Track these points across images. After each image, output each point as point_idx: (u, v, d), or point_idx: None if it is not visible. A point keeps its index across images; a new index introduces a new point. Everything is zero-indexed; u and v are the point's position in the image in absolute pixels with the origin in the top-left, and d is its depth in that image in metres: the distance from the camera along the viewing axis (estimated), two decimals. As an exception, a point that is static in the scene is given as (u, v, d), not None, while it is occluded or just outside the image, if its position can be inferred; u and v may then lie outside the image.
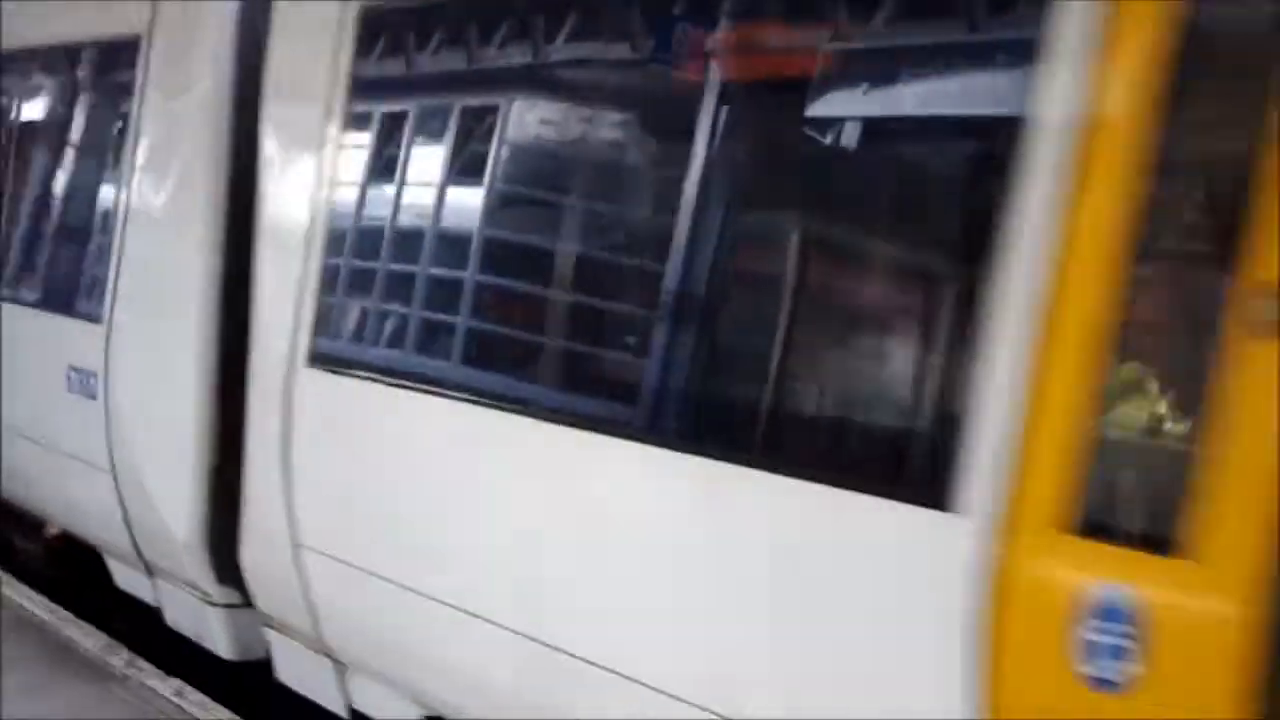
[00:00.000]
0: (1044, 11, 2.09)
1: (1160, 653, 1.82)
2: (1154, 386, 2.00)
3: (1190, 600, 1.86)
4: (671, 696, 2.66)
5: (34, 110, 6.11)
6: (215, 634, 4.75)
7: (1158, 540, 1.89)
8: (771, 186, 2.86)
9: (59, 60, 5.80)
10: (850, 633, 2.38)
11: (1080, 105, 2.02)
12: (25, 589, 6.04)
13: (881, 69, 2.55)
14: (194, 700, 4.94)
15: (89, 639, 5.68)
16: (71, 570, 5.95)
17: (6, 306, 5.75)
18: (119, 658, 5.37)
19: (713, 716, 2.53)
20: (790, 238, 2.73)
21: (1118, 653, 1.88)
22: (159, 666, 5.10)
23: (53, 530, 6.02)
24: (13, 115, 6.24)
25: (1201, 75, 1.93)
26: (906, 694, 2.28)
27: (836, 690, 2.41)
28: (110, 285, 4.86)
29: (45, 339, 5.42)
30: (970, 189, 2.51)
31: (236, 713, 4.75)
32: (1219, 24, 1.93)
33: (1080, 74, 2.04)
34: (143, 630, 5.53)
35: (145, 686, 5.16)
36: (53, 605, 5.83)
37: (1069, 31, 2.05)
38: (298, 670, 4.36)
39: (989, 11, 2.42)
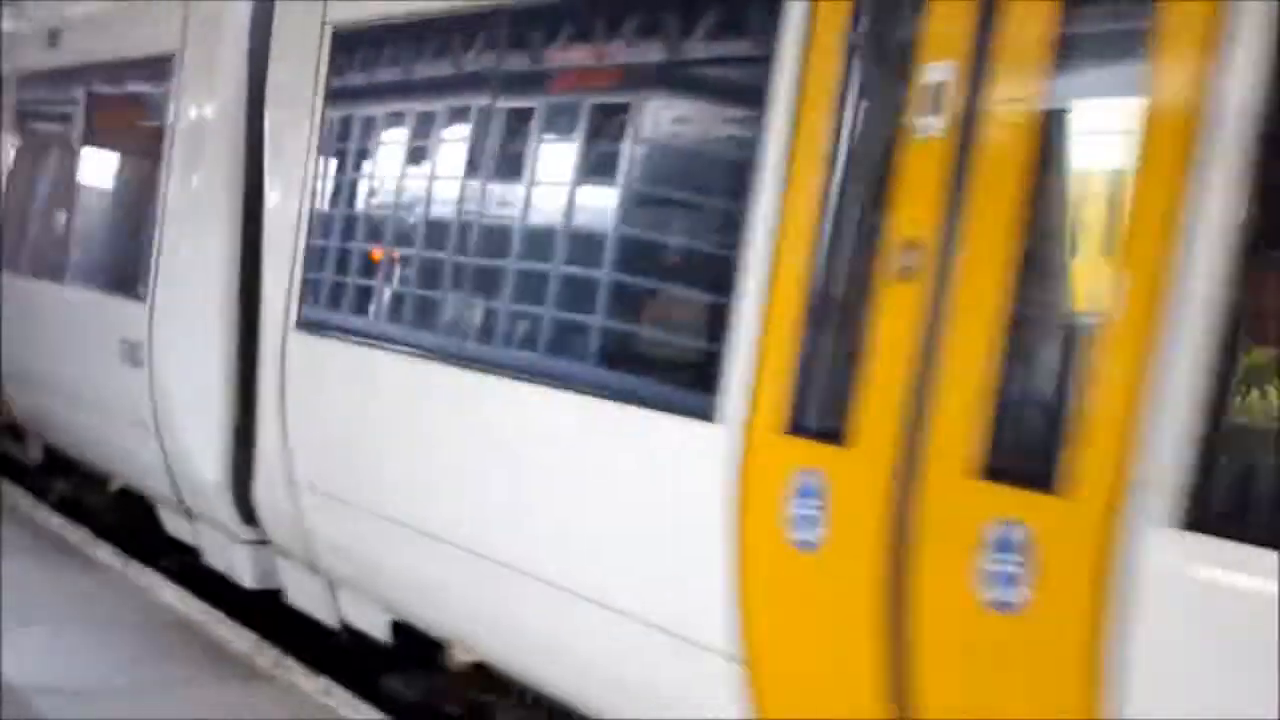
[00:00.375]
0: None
1: (836, 511, 2.51)
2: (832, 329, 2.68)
3: (851, 471, 2.51)
4: (522, 572, 3.47)
5: (91, 120, 7.13)
6: (240, 567, 5.60)
7: (833, 434, 2.55)
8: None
9: (114, 73, 6.73)
10: (641, 514, 3.10)
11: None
12: (178, 588, 6.32)
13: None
14: (341, 699, 5.00)
15: (238, 638, 5.73)
16: (131, 519, 6.87)
17: (68, 288, 6.77)
18: (266, 657, 5.44)
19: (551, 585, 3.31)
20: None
21: (811, 521, 2.55)
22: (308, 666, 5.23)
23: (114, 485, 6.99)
24: (71, 124, 7.23)
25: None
26: (677, 551, 3.01)
27: (627, 553, 3.20)
28: (152, 269, 5.75)
29: (102, 316, 6.35)
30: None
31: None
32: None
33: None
34: (292, 630, 5.77)
35: (293, 685, 5.25)
36: (204, 605, 5.96)
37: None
38: (301, 592, 5.18)
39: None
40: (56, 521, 7.19)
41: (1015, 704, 2.28)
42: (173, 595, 6.19)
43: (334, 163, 4.66)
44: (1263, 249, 1.87)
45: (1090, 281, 2.30)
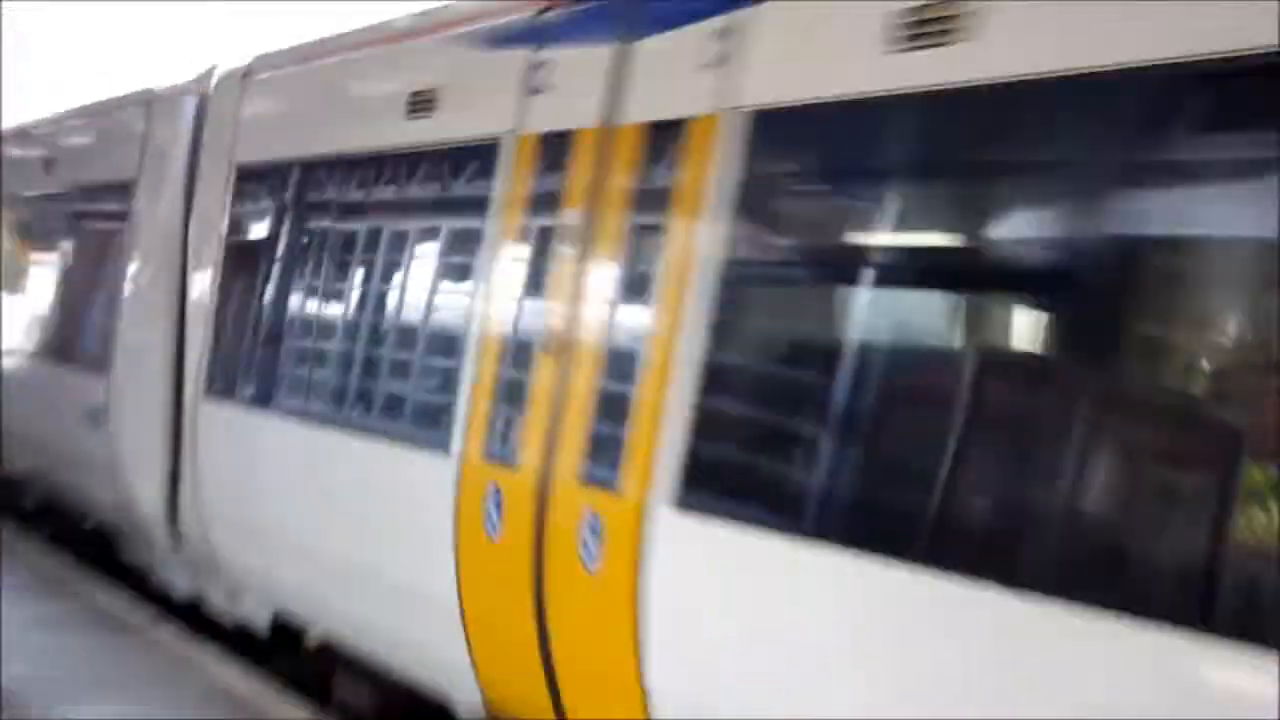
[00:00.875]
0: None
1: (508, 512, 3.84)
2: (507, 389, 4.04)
3: (517, 485, 3.85)
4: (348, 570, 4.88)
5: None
6: (175, 581, 6.98)
7: (509, 461, 3.89)
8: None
9: (89, 194, 8.28)
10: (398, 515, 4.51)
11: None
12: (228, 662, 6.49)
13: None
14: None
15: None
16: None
17: (44, 365, 8.31)
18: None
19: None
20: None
21: (494, 521, 3.88)
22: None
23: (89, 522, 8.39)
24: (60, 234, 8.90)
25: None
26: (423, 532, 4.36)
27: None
28: (113, 349, 7.17)
29: (77, 387, 7.76)
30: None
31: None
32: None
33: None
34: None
35: None
36: (256, 679, 6.13)
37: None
38: (214, 598, 6.51)
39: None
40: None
41: (598, 631, 3.62)
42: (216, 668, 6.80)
43: (231, 269, 6.12)
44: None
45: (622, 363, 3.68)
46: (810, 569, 3.04)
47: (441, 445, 4.21)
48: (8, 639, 5.87)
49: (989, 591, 2.47)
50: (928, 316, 3.16)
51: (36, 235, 9.50)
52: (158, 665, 6.29)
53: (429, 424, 4.47)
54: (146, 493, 6.73)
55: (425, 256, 4.76)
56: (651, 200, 3.75)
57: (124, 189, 7.36)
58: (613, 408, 3.63)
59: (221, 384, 5.95)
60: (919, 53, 2.94)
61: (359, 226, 5.19)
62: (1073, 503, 2.46)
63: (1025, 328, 2.90)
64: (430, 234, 4.79)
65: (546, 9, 4.40)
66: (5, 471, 9.28)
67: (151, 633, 6.90)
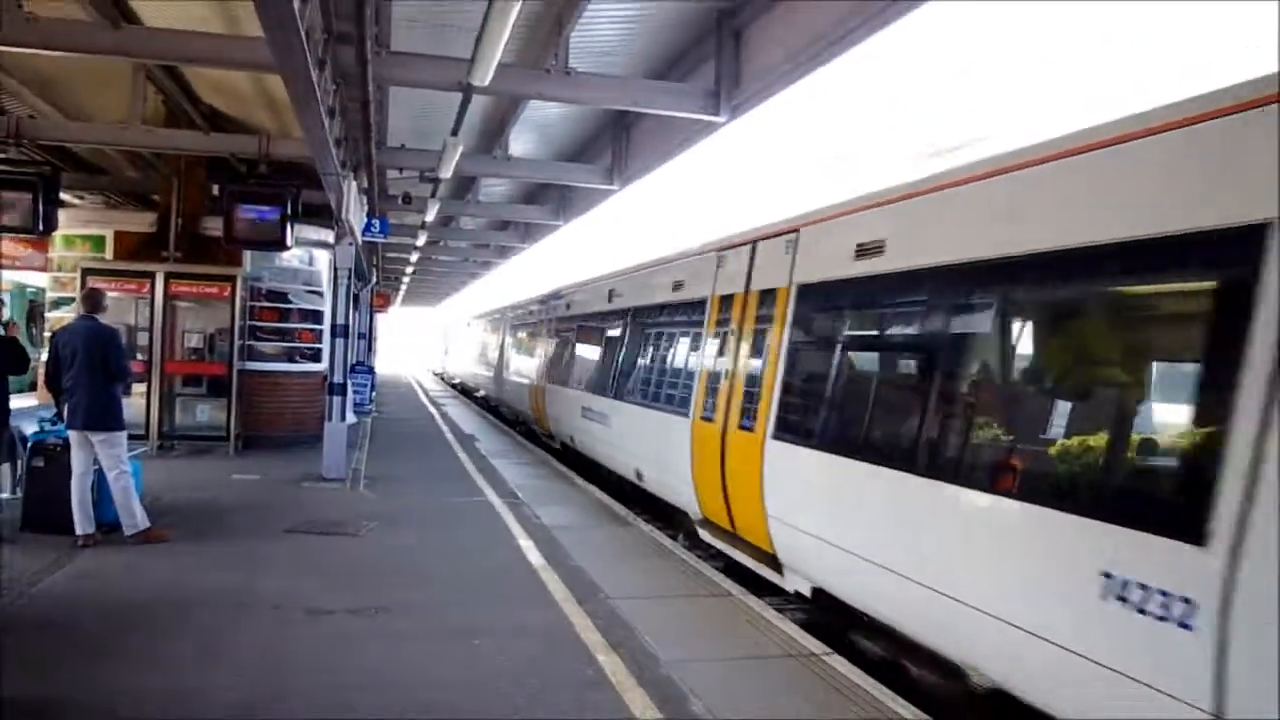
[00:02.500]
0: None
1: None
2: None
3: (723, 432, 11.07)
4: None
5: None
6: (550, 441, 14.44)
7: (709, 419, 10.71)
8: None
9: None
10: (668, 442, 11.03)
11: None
12: (600, 492, 16.06)
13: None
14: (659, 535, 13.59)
15: (619, 508, 13.79)
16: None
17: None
18: (628, 516, 14.34)
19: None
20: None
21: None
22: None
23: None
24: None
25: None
26: (678, 459, 10.71)
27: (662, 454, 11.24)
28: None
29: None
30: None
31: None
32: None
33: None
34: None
35: (639, 529, 13.16)
36: (607, 496, 15.02)
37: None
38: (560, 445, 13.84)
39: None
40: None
41: (745, 480, 8.65)
42: (599, 494, 14.35)
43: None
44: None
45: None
46: (822, 461, 7.30)
47: (683, 413, 10.74)
48: (513, 478, 13.61)
49: (898, 472, 6.21)
50: (870, 364, 7.50)
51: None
52: (570, 491, 13.77)
53: (683, 404, 10.91)
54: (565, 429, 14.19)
55: (687, 340, 11.25)
56: (765, 320, 8.84)
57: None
58: (749, 400, 8.82)
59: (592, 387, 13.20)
60: (863, 261, 7.10)
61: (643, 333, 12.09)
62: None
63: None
64: (687, 333, 11.21)
65: (723, 249, 10.43)
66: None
67: (562, 474, 14.33)
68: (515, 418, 24.97)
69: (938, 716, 5.81)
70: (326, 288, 16.94)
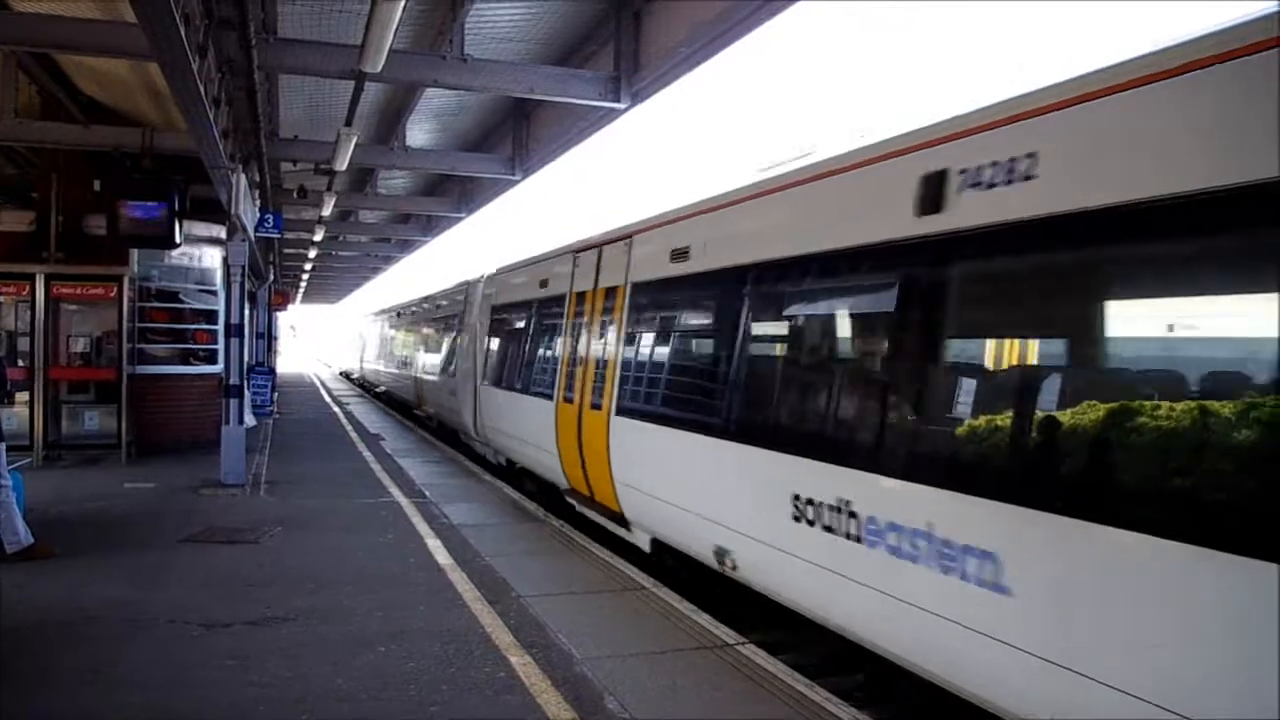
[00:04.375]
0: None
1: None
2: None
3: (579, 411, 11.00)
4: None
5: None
6: (475, 447, 14.31)
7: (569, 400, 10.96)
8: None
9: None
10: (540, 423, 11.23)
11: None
12: (514, 491, 15.88)
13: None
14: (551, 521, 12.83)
15: (531, 506, 14.28)
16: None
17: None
18: (541, 514, 13.88)
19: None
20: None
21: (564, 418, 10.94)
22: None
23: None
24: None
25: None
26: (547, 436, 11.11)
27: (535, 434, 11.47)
28: (453, 368, 14.56)
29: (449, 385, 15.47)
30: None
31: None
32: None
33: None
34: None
35: (550, 523, 13.11)
36: (518, 494, 15.11)
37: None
38: (488, 454, 13.77)
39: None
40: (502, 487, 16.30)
41: (597, 450, 9.77)
42: (510, 492, 14.55)
43: (490, 338, 13.26)
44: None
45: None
46: (648, 431, 8.54)
47: (550, 395, 10.92)
48: (420, 478, 13.30)
49: (691, 434, 7.77)
50: (681, 348, 8.53)
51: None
52: (478, 488, 13.51)
53: (548, 388, 11.22)
54: (467, 419, 14.04)
55: (553, 333, 11.46)
56: (609, 312, 9.85)
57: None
58: (599, 382, 9.82)
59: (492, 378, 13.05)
60: (678, 263, 8.29)
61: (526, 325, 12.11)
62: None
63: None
64: (553, 325, 11.42)
65: (578, 251, 10.92)
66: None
67: (471, 471, 14.04)
68: (402, 405, 26.76)
69: (850, 701, 5.81)
70: (220, 286, 16.35)
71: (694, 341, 8.40)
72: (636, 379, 9.10)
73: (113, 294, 14.71)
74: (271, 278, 28.11)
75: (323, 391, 37.95)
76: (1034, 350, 4.87)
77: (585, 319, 10.57)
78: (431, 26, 11.25)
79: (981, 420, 4.78)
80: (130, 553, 8.96)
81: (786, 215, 6.75)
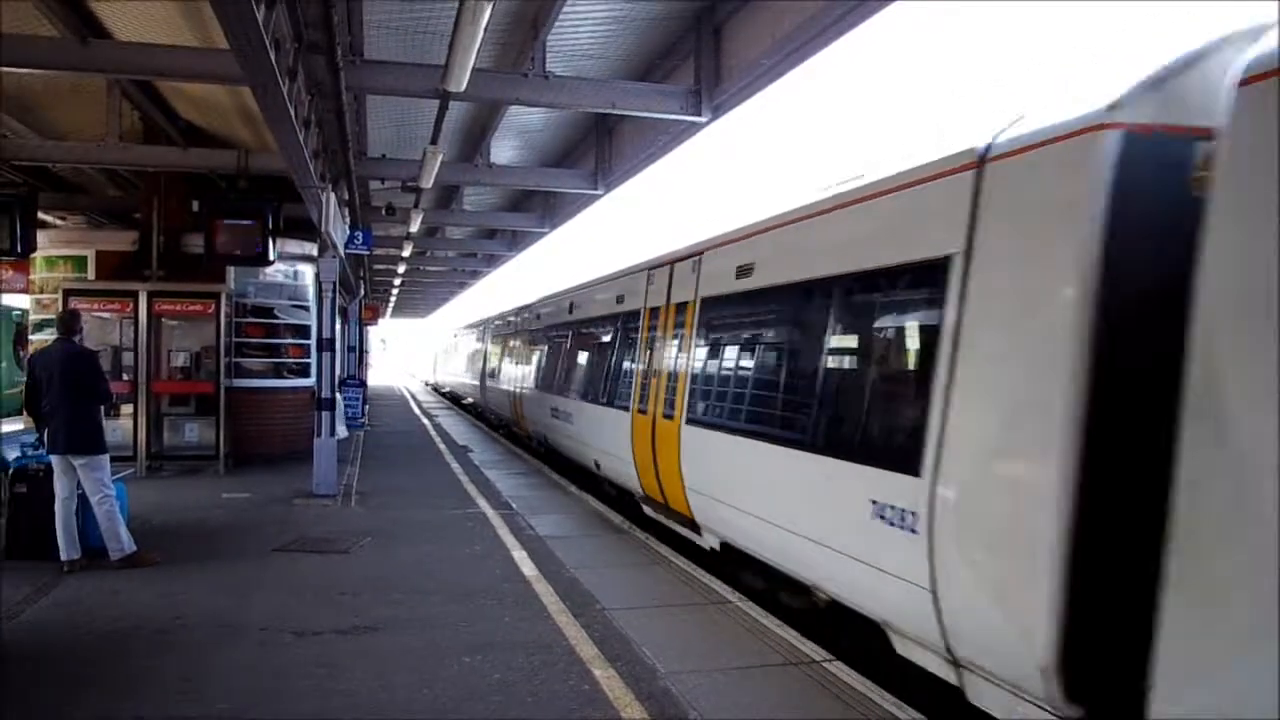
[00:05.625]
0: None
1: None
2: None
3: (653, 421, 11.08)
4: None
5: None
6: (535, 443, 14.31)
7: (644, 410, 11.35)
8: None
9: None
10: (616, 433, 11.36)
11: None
12: (597, 502, 15.88)
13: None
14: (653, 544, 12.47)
15: (615, 517, 14.57)
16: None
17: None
18: (625, 525, 13.68)
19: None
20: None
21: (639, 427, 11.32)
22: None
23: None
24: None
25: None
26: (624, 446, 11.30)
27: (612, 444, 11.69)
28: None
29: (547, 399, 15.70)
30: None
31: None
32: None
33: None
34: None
35: (636, 538, 13.00)
36: (602, 505, 15.10)
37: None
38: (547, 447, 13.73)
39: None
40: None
41: (669, 456, 10.07)
42: (594, 503, 14.28)
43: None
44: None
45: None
46: (717, 439, 8.84)
47: (626, 407, 11.00)
48: (507, 489, 13.46)
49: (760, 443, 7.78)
50: (747, 359, 8.77)
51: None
52: (564, 500, 13.63)
53: (626, 400, 11.29)
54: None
55: (628, 345, 11.68)
56: (680, 326, 10.19)
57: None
58: (670, 393, 10.17)
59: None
60: (743, 279, 8.70)
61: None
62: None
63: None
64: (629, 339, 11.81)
65: (651, 269, 11.34)
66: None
67: (556, 483, 14.17)
68: (499, 422, 26.37)
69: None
70: (312, 301, 16.77)
71: (760, 353, 8.62)
72: (707, 388, 9.52)
73: (211, 310, 15.15)
74: (362, 293, 28.74)
75: (412, 404, 38.61)
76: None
77: (658, 333, 11.11)
78: (514, 45, 11.40)
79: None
80: (226, 561, 9.22)
81: (818, 239, 7.43)
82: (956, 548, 5.20)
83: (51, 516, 8.67)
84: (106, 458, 8.91)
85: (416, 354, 76.92)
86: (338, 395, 15.31)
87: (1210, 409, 3.61)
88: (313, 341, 16.32)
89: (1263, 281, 3.40)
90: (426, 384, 60.84)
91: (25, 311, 19.37)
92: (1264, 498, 3.33)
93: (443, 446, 20.70)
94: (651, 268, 11.76)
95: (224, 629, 7.00)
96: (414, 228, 19.96)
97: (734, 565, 9.05)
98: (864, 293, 6.71)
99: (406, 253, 25.83)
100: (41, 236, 15.37)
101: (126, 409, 14.63)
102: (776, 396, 7.89)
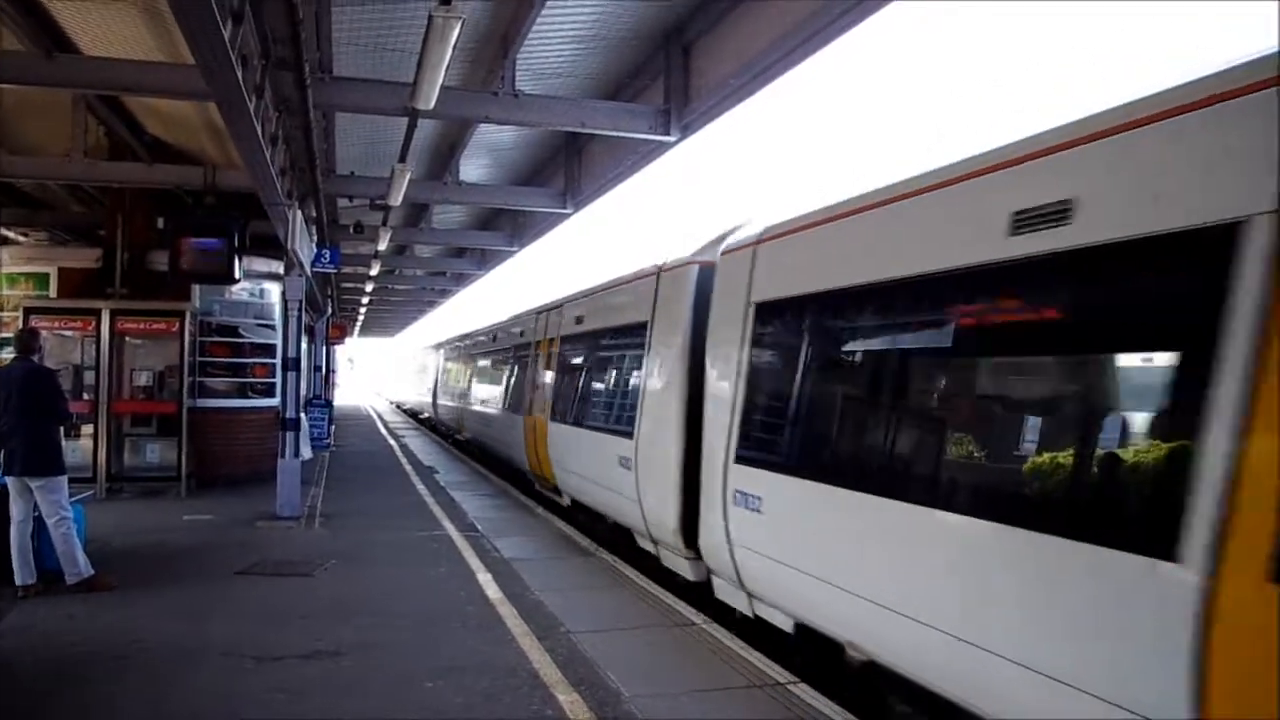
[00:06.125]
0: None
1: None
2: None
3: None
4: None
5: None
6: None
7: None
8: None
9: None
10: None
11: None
12: (562, 522, 15.79)
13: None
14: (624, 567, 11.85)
15: (579, 537, 14.28)
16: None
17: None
18: (590, 547, 13.64)
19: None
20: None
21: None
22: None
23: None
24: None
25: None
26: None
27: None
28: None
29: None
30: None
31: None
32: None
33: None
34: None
35: (602, 559, 12.88)
36: (571, 529, 14.75)
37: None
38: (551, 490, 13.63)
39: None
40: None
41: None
42: (560, 524, 13.83)
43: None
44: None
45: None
46: (565, 429, 11.48)
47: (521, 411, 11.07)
48: (473, 510, 13.35)
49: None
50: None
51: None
52: (530, 521, 13.52)
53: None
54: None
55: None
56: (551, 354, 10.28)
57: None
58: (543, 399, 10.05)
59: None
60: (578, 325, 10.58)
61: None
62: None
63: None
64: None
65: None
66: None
67: (523, 504, 14.03)
68: (447, 431, 30.45)
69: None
70: (278, 320, 16.61)
71: (584, 373, 13.22)
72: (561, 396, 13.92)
73: (175, 329, 14.95)
74: (329, 311, 28.54)
75: (378, 424, 38.35)
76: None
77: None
78: (483, 63, 11.38)
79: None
80: (187, 585, 9.07)
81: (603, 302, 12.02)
82: (645, 478, 9.81)
83: (6, 540, 8.50)
84: (64, 479, 8.75)
85: (384, 373, 76.46)
86: (303, 415, 15.12)
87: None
88: (278, 360, 16.16)
89: (724, 336, 8.18)
90: (392, 403, 60.49)
91: (-17, 330, 19.06)
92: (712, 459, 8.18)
93: (409, 467, 20.55)
94: (538, 313, 16.39)
95: (183, 653, 6.87)
96: (382, 246, 19.85)
97: (583, 514, 12.96)
98: (619, 337, 11.61)
99: (374, 271, 25.69)
100: (3, 253, 15.17)
101: (87, 429, 14.38)
102: (597, 399, 12.29)
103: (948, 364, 5.55)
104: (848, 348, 6.68)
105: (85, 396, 14.48)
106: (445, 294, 37.83)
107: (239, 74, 7.07)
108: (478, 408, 22.81)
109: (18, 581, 8.45)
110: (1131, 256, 4.15)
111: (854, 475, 6.01)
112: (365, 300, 38.74)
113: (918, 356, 5.87)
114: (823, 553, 6.33)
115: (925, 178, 5.64)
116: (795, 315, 7.21)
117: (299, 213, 12.92)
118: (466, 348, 26.81)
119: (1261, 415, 3.44)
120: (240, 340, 16.54)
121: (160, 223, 14.35)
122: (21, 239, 18.44)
